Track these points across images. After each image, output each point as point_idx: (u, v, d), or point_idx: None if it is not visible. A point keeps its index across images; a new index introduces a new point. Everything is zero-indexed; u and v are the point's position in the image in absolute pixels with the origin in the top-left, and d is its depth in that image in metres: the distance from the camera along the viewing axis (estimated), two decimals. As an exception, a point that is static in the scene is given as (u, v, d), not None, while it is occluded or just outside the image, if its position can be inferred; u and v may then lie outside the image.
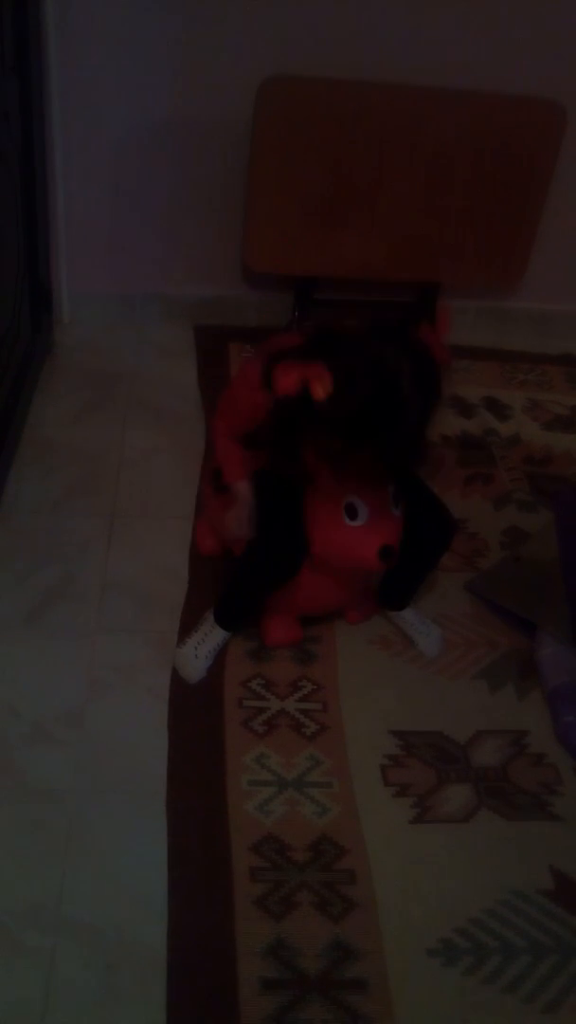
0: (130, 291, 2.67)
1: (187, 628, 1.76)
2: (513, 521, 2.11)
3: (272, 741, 1.59)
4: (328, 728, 1.62)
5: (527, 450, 2.36)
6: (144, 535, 1.98)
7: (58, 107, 2.30)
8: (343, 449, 1.41)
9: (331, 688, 1.69)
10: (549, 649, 1.74)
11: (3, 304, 2.09)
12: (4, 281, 2.11)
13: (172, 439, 2.26)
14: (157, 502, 2.07)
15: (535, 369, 2.72)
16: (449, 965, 1.33)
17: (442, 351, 1.43)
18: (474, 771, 1.58)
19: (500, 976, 1.32)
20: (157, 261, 2.64)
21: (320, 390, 1.32)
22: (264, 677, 1.70)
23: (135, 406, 2.37)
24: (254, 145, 2.36)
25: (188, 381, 2.49)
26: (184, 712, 1.62)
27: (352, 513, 1.53)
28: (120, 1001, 1.26)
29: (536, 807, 1.54)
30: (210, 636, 1.69)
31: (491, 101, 2.37)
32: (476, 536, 2.07)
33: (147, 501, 2.07)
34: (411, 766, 1.57)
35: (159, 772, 1.53)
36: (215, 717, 1.62)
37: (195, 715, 1.62)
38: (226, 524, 1.64)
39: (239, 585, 1.70)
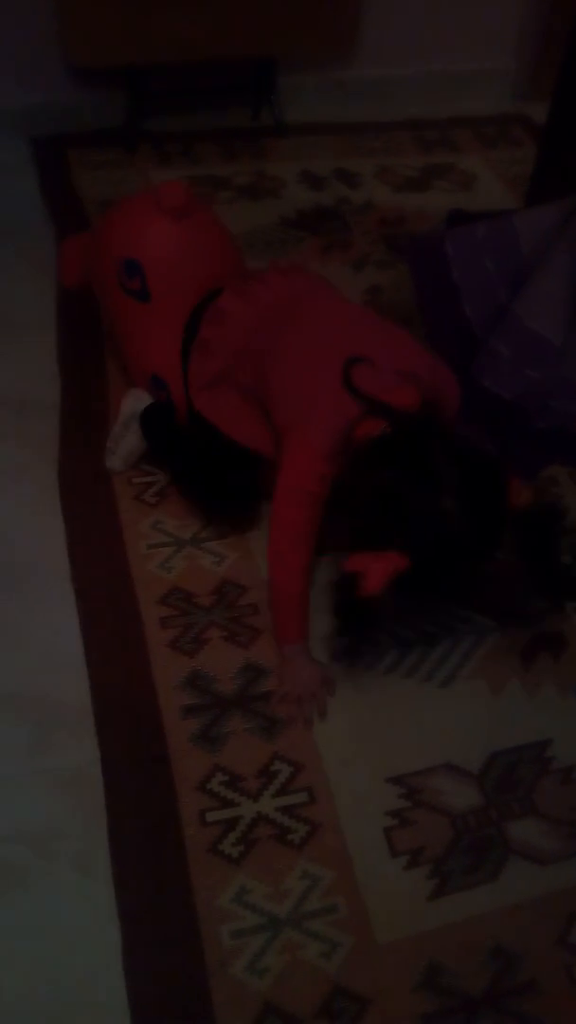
0: (-47, 108, 2.52)
1: (69, 427, 1.78)
2: (373, 280, 2.15)
3: (165, 508, 1.65)
4: (217, 489, 1.68)
5: (380, 213, 2.38)
6: (8, 345, 1.96)
7: None
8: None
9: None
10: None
11: None
12: None
13: (22, 253, 2.20)
14: (16, 313, 2.04)
15: (381, 136, 2.69)
16: (352, 664, 1.45)
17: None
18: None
19: (399, 666, 1.46)
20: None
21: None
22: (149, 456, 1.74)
23: (-22, 225, 2.28)
24: None
25: (31, 194, 2.41)
26: (76, 499, 1.66)
27: None
28: (55, 749, 1.35)
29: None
30: (134, 449, 1.69)
31: None
32: (339, 300, 2.10)
33: (5, 313, 2.04)
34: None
35: (60, 554, 1.58)
36: (107, 498, 1.67)
37: (87, 499, 1.66)
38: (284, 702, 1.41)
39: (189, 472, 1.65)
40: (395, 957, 1.17)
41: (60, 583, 1.54)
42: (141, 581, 1.53)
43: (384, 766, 1.35)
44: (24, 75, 2.52)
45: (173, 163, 2.52)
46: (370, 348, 1.40)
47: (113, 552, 1.57)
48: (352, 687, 1.43)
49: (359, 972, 1.16)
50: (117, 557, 1.57)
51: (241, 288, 1.58)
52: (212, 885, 1.22)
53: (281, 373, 1.46)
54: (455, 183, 2.52)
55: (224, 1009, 1.12)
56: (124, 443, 1.69)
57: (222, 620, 1.49)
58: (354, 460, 1.33)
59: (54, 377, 1.90)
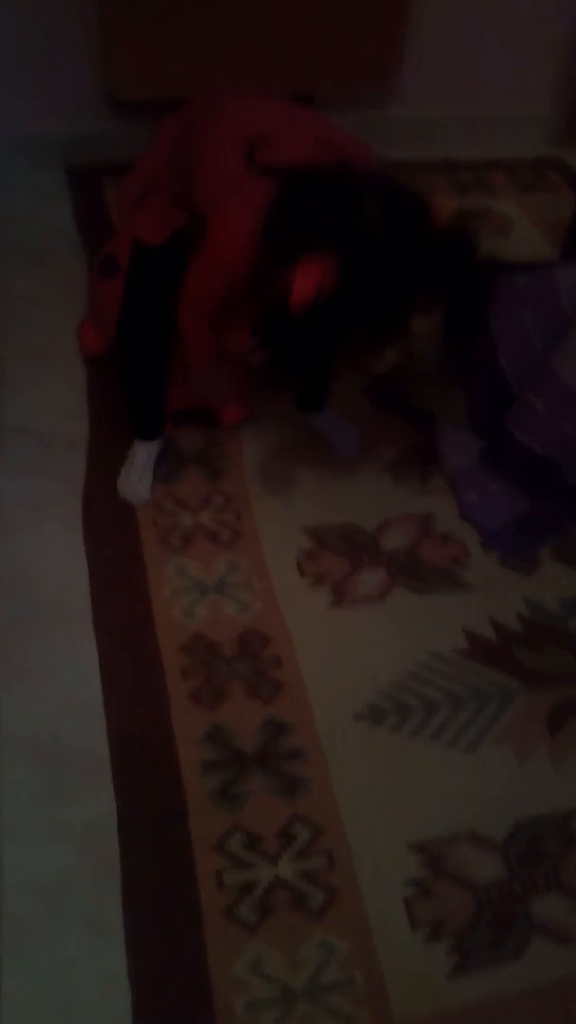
0: (-8, 134, 2.53)
1: (96, 464, 1.76)
2: (406, 324, 2.13)
3: (190, 552, 1.63)
4: (243, 533, 1.66)
5: (415, 256, 2.36)
6: (38, 377, 1.94)
7: None
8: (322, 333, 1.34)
9: (241, 497, 1.72)
10: (448, 436, 1.80)
11: None
12: None
13: (55, 281, 2.19)
14: (47, 343, 2.02)
15: (417, 177, 2.67)
16: (376, 725, 1.42)
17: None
18: (385, 555, 1.65)
19: (424, 728, 1.42)
20: (20, 100, 2.48)
21: (325, 287, 1.23)
22: (175, 496, 1.72)
23: (12, 251, 2.27)
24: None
25: (65, 222, 2.40)
26: (100, 538, 1.64)
27: None
28: (70, 799, 1.32)
29: (446, 579, 1.62)
30: (136, 454, 1.71)
31: None
32: (371, 343, 2.08)
33: (36, 343, 2.02)
34: (325, 557, 1.63)
35: (82, 595, 1.56)
36: (131, 539, 1.65)
37: (111, 540, 1.64)
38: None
39: (130, 387, 1.72)
40: (413, 1037, 1.14)
41: (82, 625, 1.51)
42: (163, 627, 1.51)
43: (406, 832, 1.31)
44: (64, 104, 2.52)
45: (208, 197, 2.51)
46: (276, 128, 1.43)
47: (136, 596, 1.55)
48: (378, 749, 1.39)
49: (375, 1052, 1.12)
50: (140, 602, 1.54)
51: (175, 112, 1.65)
52: (227, 951, 1.19)
53: (202, 168, 1.47)
54: (491, 227, 2.50)
55: None
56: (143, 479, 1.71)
57: (245, 672, 1.46)
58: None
59: (84, 410, 1.88)
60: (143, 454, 1.72)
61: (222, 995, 1.15)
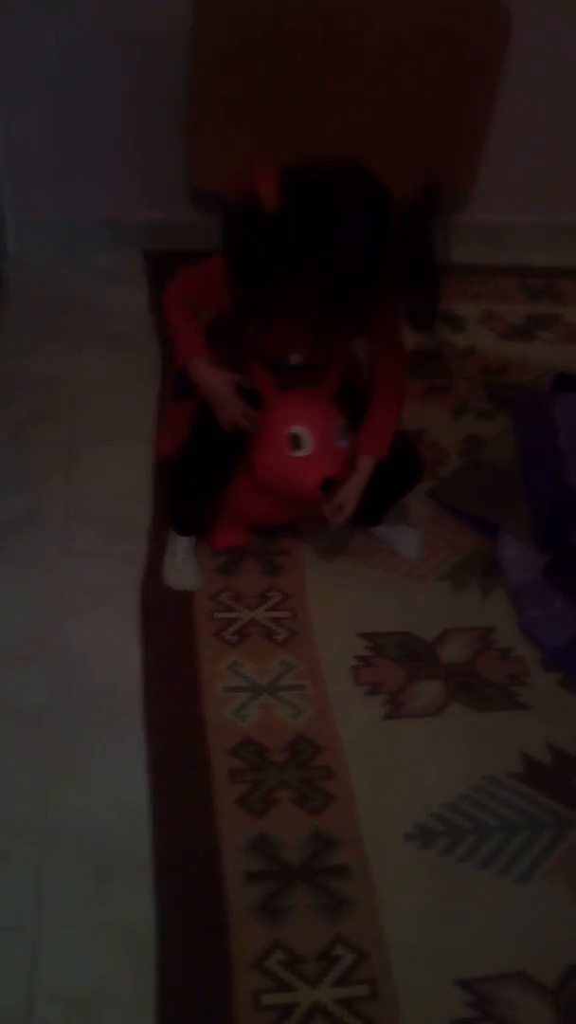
0: (77, 219, 2.61)
1: (156, 550, 1.77)
2: (471, 429, 2.14)
3: (244, 649, 1.62)
4: (298, 634, 1.65)
5: (483, 360, 2.37)
6: (105, 460, 1.97)
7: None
8: (287, 277, 1.37)
9: (299, 596, 1.71)
10: (511, 549, 1.78)
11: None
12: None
13: (127, 365, 2.24)
14: (116, 427, 2.06)
15: (489, 281, 2.71)
16: (426, 847, 1.38)
17: None
18: (443, 667, 1.62)
19: (475, 854, 1.38)
20: (104, 186, 2.58)
21: (269, 195, 1.32)
22: (233, 590, 1.72)
23: (89, 334, 2.34)
24: (194, 59, 2.30)
25: (141, 307, 2.46)
26: (156, 628, 1.64)
27: (296, 443, 1.54)
28: (110, 900, 1.29)
29: (504, 698, 1.59)
30: (176, 545, 1.73)
31: (435, 3, 2.32)
32: (436, 445, 2.08)
33: (106, 427, 2.06)
34: (381, 665, 1.61)
35: (134, 686, 1.55)
36: (187, 630, 1.64)
37: (167, 630, 1.64)
38: (222, 419, 1.58)
39: (179, 490, 1.75)
40: None
41: (132, 719, 1.50)
42: (214, 727, 1.49)
43: (452, 966, 1.26)
44: (147, 193, 2.61)
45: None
46: None
47: (188, 692, 1.54)
48: (426, 872, 1.35)
49: None
50: (192, 698, 1.53)
51: None
52: None
53: None
54: (560, 335, 2.51)
55: None
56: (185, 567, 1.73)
57: (293, 780, 1.44)
58: None
59: (148, 496, 1.90)
60: (182, 545, 1.74)
61: None
